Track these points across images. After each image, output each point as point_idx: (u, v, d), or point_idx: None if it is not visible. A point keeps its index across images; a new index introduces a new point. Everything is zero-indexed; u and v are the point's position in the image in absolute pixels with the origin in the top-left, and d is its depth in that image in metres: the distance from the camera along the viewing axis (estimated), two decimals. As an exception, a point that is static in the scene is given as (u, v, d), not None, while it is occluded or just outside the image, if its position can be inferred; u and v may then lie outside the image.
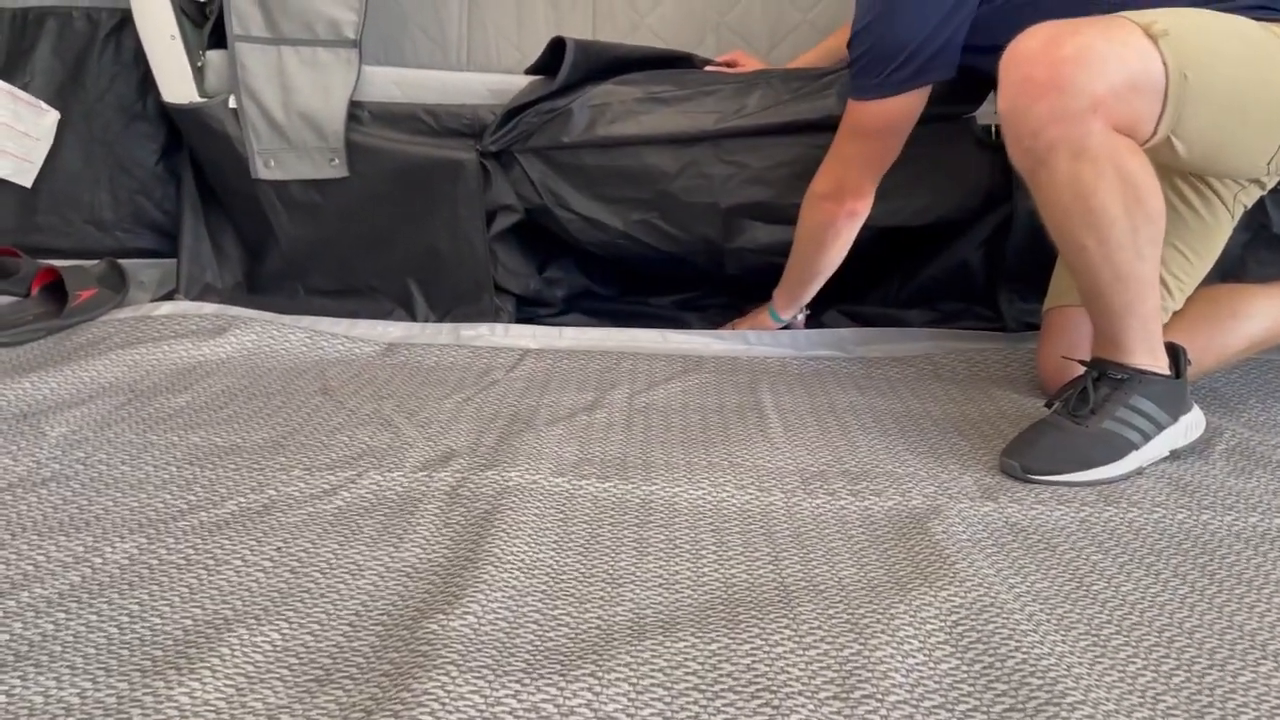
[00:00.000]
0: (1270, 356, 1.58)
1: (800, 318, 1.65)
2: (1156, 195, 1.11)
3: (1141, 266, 1.12)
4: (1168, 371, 1.20)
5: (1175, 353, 1.22)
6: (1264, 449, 1.28)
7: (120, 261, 1.78)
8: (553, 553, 0.96)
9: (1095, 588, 0.93)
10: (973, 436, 1.32)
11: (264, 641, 0.80)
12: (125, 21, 1.72)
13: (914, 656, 0.80)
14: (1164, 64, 1.06)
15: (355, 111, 1.62)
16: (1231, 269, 1.58)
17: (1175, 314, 1.40)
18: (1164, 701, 0.76)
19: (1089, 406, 1.19)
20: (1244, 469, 1.22)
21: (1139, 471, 1.19)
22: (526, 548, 0.96)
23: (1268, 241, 1.57)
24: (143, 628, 0.83)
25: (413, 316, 1.71)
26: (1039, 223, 1.56)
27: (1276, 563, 0.98)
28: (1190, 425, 1.24)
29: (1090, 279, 1.16)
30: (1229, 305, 1.39)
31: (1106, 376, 1.20)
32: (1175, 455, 1.23)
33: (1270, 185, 1.32)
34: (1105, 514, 1.09)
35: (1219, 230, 1.37)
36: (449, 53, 1.87)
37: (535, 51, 1.82)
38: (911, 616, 0.85)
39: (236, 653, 0.79)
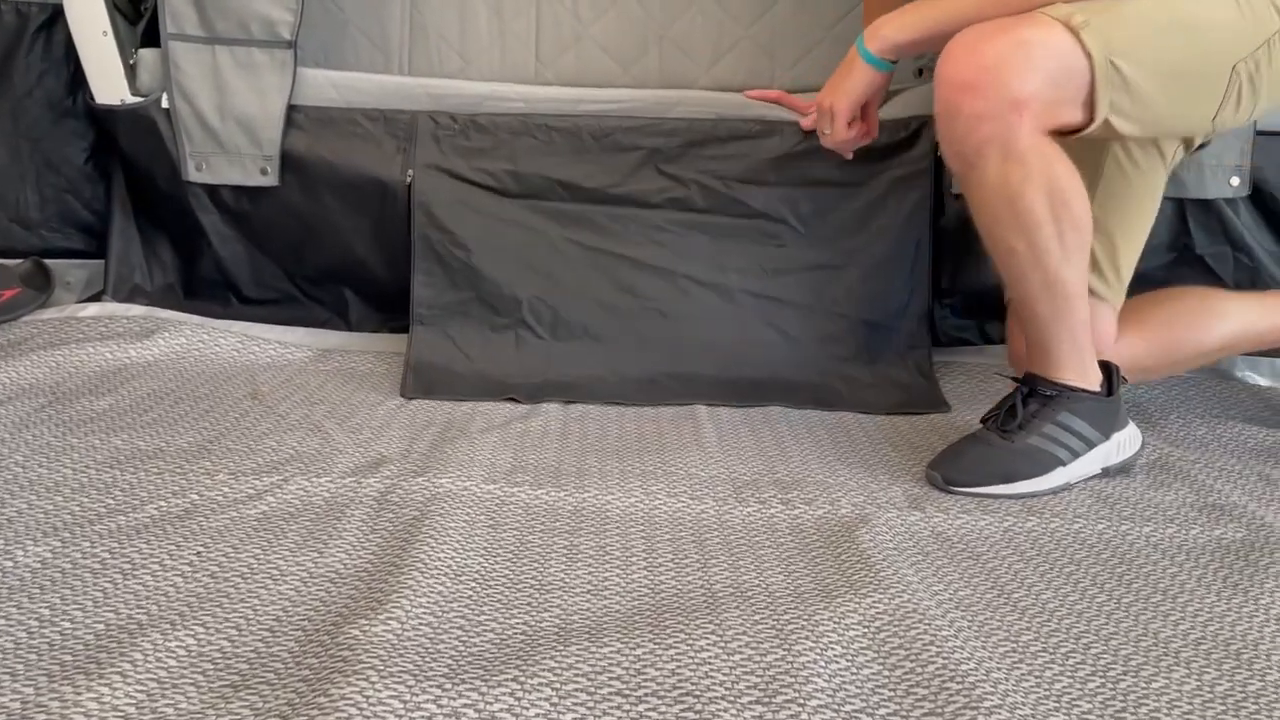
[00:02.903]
0: (1190, 374, 1.63)
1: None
2: (1083, 201, 1.14)
3: (1068, 272, 1.15)
4: (1098, 389, 1.22)
5: (1109, 370, 1.24)
6: (1183, 463, 1.31)
7: (46, 261, 1.73)
8: (481, 559, 0.95)
9: (1016, 596, 0.95)
10: (904, 449, 1.34)
11: (178, 646, 0.78)
12: (56, 16, 1.67)
13: (837, 662, 0.80)
14: (1087, 56, 1.08)
15: (291, 115, 1.60)
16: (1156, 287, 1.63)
17: (1149, 309, 1.39)
18: (1079, 706, 0.78)
19: (1017, 422, 1.21)
20: (1163, 482, 1.25)
21: (1067, 487, 1.21)
22: (454, 554, 0.95)
23: (1190, 261, 1.62)
24: (52, 632, 0.80)
25: (348, 325, 1.69)
26: (971, 243, 1.61)
27: (1191, 572, 1.01)
28: (1124, 442, 1.25)
29: (1020, 286, 1.18)
30: (1201, 304, 1.40)
31: (1036, 393, 1.22)
32: (1108, 472, 1.25)
33: (1197, 144, 1.34)
34: (1028, 524, 1.11)
35: (1156, 189, 1.36)
36: (390, 58, 1.85)
37: (478, 57, 1.82)
38: (836, 623, 0.86)
39: (150, 658, 0.77)
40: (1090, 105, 1.11)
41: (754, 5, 1.89)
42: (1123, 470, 1.26)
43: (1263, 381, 1.63)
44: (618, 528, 1.05)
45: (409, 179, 1.60)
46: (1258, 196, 1.57)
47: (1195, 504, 1.18)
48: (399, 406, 1.41)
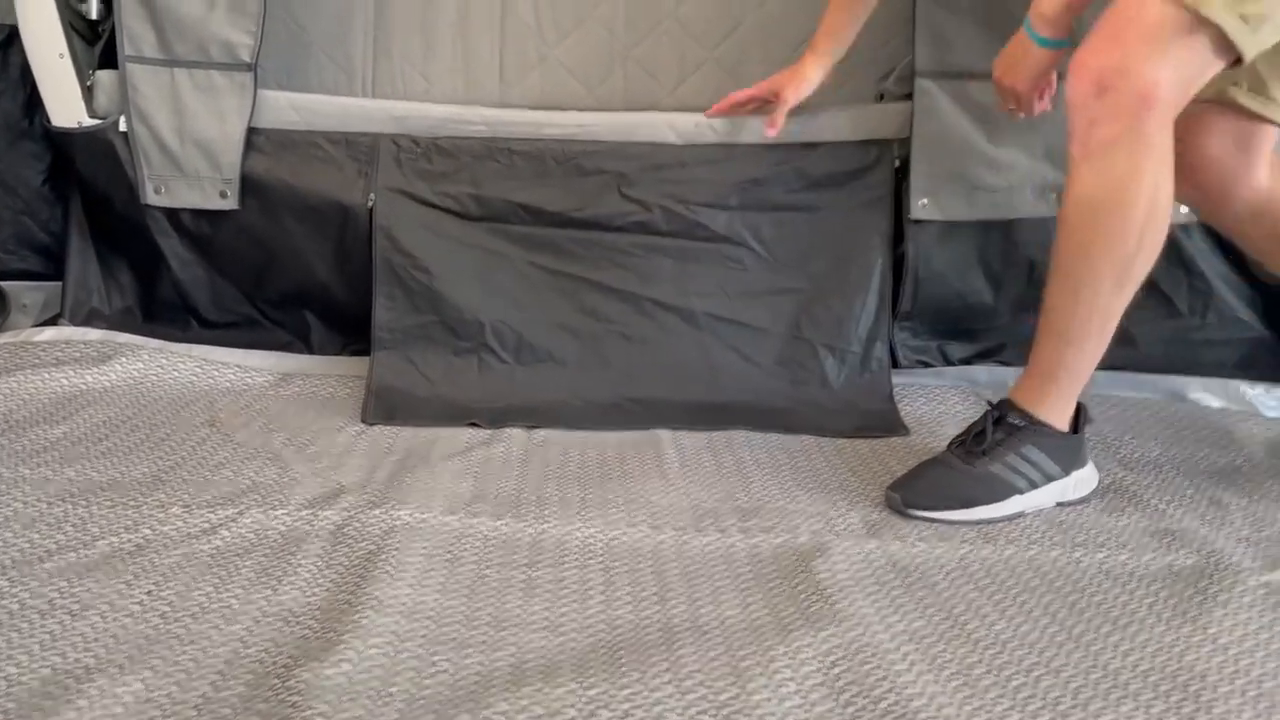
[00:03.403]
0: (1147, 397, 1.65)
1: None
2: (1164, 230, 1.14)
3: (1119, 303, 1.17)
4: (1065, 428, 1.24)
5: (1079, 411, 1.26)
6: (1137, 487, 1.33)
7: (1, 284, 1.71)
8: (437, 595, 0.95)
9: (970, 627, 0.95)
10: (863, 473, 1.35)
11: (126, 692, 0.78)
12: (12, 37, 1.66)
13: (790, 700, 0.81)
14: (1214, 25, 1.05)
15: (251, 138, 1.59)
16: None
17: None
18: (1028, 741, 0.79)
19: (982, 447, 1.22)
20: (1117, 507, 1.27)
21: (1021, 515, 1.23)
22: (410, 590, 0.95)
23: (1144, 285, 1.65)
24: (-3, 679, 0.79)
25: (310, 348, 1.68)
26: (930, 267, 1.63)
27: (1142, 601, 1.02)
28: (1081, 480, 1.27)
29: (1068, 300, 1.18)
30: None
31: (1005, 420, 1.23)
32: (1062, 506, 1.26)
33: None
34: (983, 552, 1.12)
35: None
36: (354, 79, 1.85)
37: (442, 78, 1.81)
38: (790, 659, 0.86)
39: (95, 705, 0.76)
40: (1225, 62, 1.08)
41: (719, 27, 1.90)
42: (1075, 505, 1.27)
43: (1215, 403, 1.65)
44: (576, 559, 1.05)
45: (371, 202, 1.59)
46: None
47: (1148, 530, 1.20)
48: (360, 433, 1.41)
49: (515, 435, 1.42)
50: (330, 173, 1.61)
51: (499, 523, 1.11)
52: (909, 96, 1.61)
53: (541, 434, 1.44)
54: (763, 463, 1.37)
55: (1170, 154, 1.12)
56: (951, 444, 1.27)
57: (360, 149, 1.61)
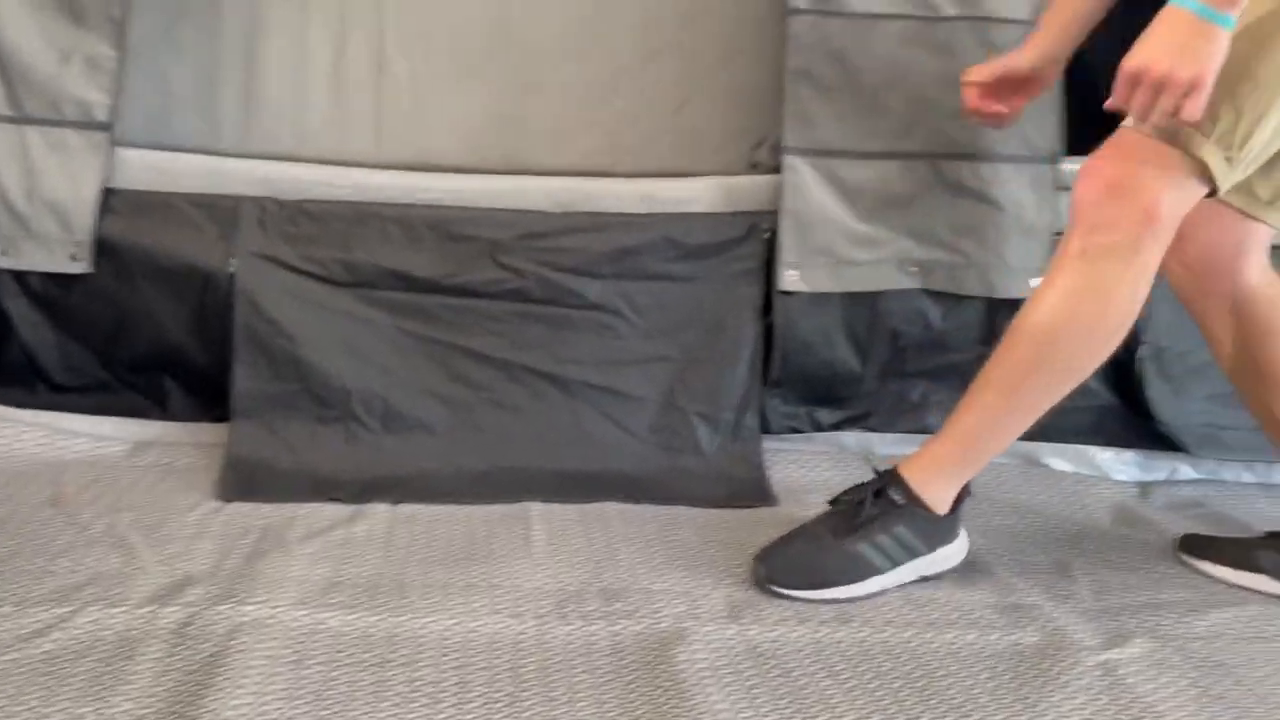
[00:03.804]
0: (1003, 461, 1.71)
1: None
2: (1113, 345, 1.20)
3: (1044, 407, 1.22)
4: (943, 512, 1.26)
5: (960, 494, 1.27)
6: (989, 557, 1.37)
7: None
8: (280, 703, 0.92)
9: None
10: (730, 546, 1.36)
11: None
12: None
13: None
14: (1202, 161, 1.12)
15: (107, 199, 1.53)
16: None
17: None
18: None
19: (858, 520, 1.24)
20: (969, 580, 1.30)
21: (881, 593, 1.24)
22: (250, 700, 0.91)
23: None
24: None
25: (167, 413, 1.61)
26: (798, 337, 1.66)
27: (985, 684, 1.06)
28: (949, 555, 1.28)
29: (1000, 399, 1.22)
30: None
31: (886, 494, 1.25)
32: (924, 580, 1.28)
33: None
34: (839, 634, 1.14)
35: None
36: (221, 134, 1.79)
37: (316, 135, 1.78)
38: (639, 765, 0.86)
39: None
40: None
41: (599, 90, 1.92)
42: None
43: (1067, 468, 1.72)
44: (431, 657, 1.03)
45: (232, 267, 1.55)
46: (1060, 295, 1.67)
47: (997, 605, 1.24)
48: (214, 511, 1.36)
49: (380, 511, 1.39)
50: (190, 236, 1.56)
51: (352, 615, 1.09)
52: (780, 168, 1.65)
53: (408, 509, 1.41)
54: (632, 537, 1.37)
55: (1152, 273, 1.18)
56: (830, 509, 1.28)
57: (222, 211, 1.57)
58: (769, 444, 1.70)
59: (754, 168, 1.84)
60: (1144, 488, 1.70)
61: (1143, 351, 1.66)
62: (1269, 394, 1.35)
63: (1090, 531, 1.51)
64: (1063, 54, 1.43)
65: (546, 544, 1.33)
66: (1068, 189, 1.64)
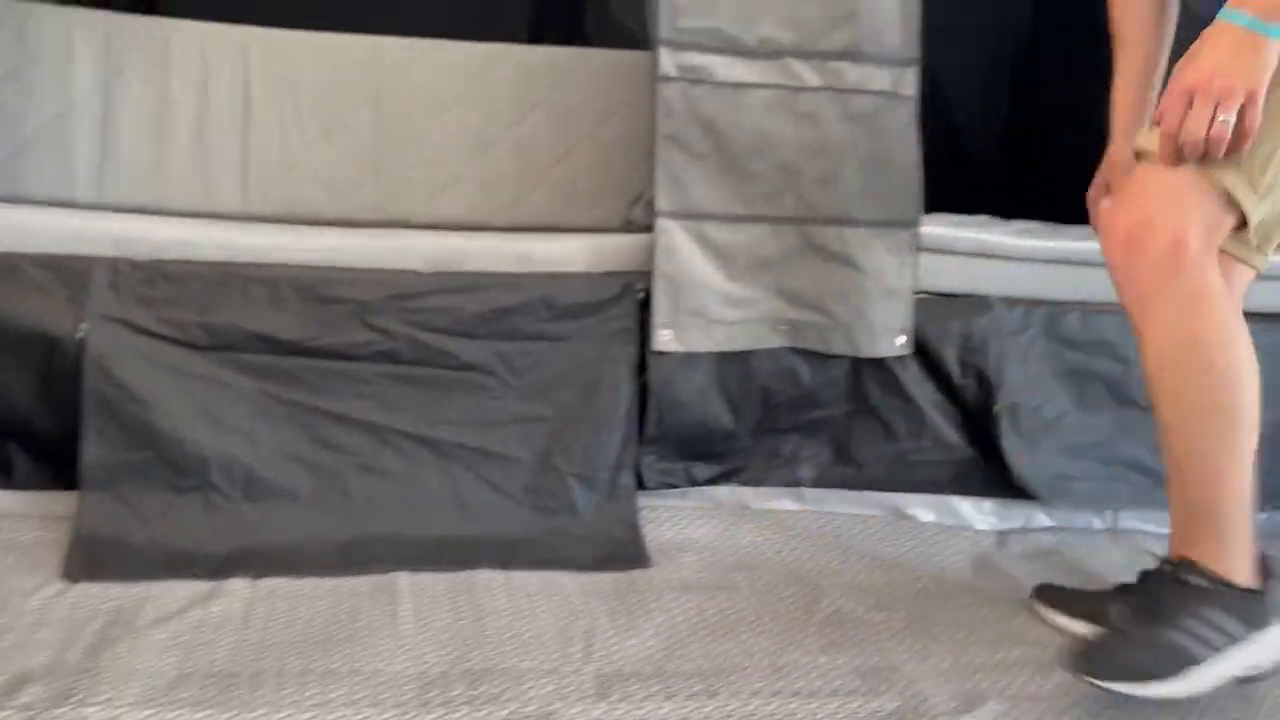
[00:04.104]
0: (871, 513, 1.76)
1: None
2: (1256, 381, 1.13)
3: (1229, 438, 1.13)
4: (1250, 583, 1.14)
5: (1264, 563, 1.16)
6: (854, 616, 1.40)
7: None
8: (116, 822, 0.87)
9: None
10: (601, 614, 1.35)
11: None
12: None
13: None
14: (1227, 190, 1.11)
15: (-58, 260, 1.45)
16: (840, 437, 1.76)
17: None
18: None
19: (1152, 613, 1.15)
20: (834, 642, 1.32)
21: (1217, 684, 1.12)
22: (84, 820, 0.87)
23: (865, 412, 1.76)
24: None
25: (12, 482, 1.52)
26: (673, 395, 1.68)
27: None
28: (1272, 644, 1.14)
29: (1188, 443, 1.16)
30: None
31: (1178, 579, 1.16)
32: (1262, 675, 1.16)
33: None
34: (706, 708, 1.15)
35: None
36: (75, 185, 1.72)
37: (176, 188, 1.73)
38: None
39: None
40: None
41: (474, 142, 1.91)
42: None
43: (930, 518, 1.78)
44: (284, 757, 0.99)
45: (82, 333, 1.48)
46: (921, 352, 1.73)
47: (860, 669, 1.27)
48: (59, 594, 1.29)
49: (239, 588, 1.34)
50: (36, 300, 1.48)
51: (201, 714, 1.04)
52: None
53: (269, 584, 1.37)
54: (502, 610, 1.35)
55: (1220, 291, 1.13)
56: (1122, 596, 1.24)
57: (71, 274, 1.49)
58: (645, 500, 1.71)
59: (629, 224, 1.86)
60: (1002, 536, 1.77)
61: (998, 406, 1.73)
62: None
63: (951, 584, 1.56)
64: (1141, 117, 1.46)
65: (414, 620, 1.30)
66: (927, 250, 1.73)
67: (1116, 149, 1.48)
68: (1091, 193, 1.55)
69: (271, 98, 1.83)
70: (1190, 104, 1.07)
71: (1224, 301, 1.14)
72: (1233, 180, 1.12)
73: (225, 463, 1.50)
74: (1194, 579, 1.14)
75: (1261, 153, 1.13)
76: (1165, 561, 1.20)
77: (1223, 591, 1.13)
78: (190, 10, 1.86)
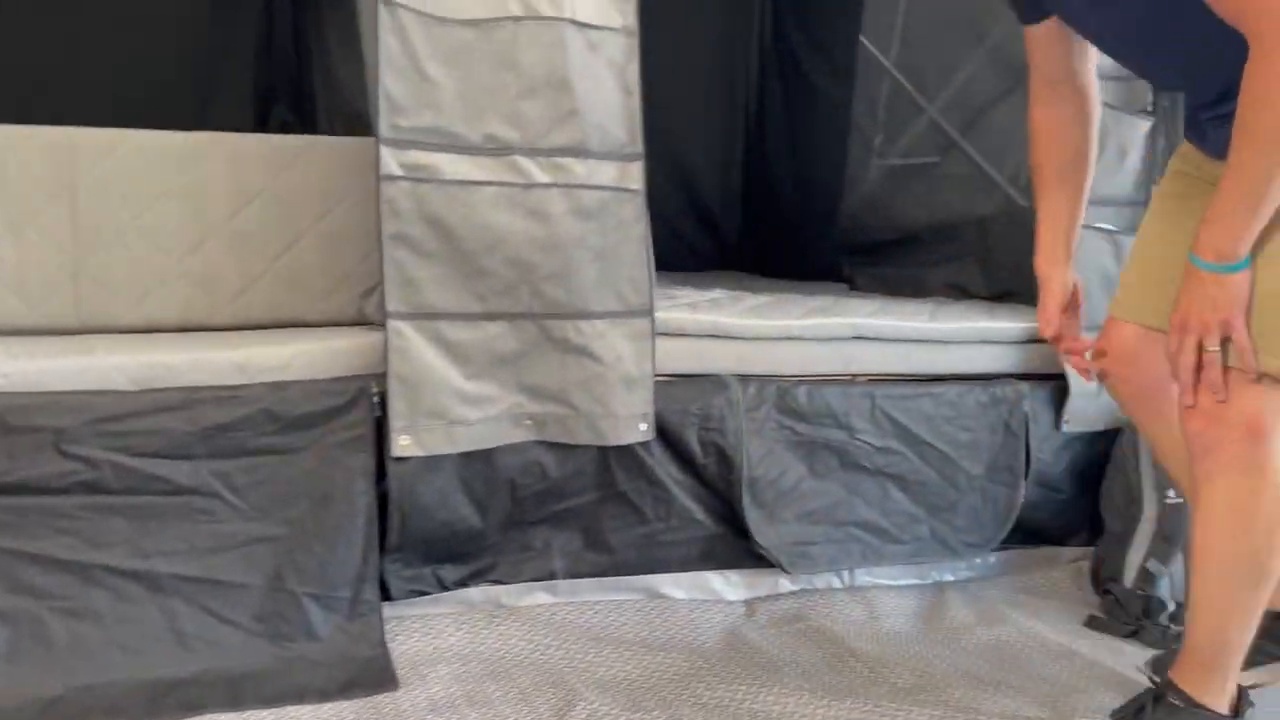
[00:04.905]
0: (626, 598, 1.78)
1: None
2: None
3: (1255, 601, 1.27)
4: (1225, 711, 1.30)
5: (1240, 694, 1.32)
6: (610, 715, 1.40)
7: None
8: None
9: None
10: None
11: None
12: None
13: None
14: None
15: None
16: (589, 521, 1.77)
17: None
18: None
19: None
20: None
21: None
22: None
23: (614, 498, 1.77)
24: None
25: None
26: (415, 501, 1.63)
27: None
28: None
29: (1210, 590, 1.28)
30: None
31: (1165, 700, 1.30)
32: None
33: None
34: None
35: None
36: None
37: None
38: None
39: None
40: None
41: (187, 237, 1.78)
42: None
43: (683, 595, 1.82)
44: None
45: None
46: (664, 434, 1.77)
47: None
48: None
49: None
50: None
51: None
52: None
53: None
54: None
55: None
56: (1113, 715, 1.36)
57: None
58: (392, 611, 1.64)
59: (364, 318, 1.79)
60: (750, 605, 1.84)
61: (741, 481, 1.80)
62: None
63: (702, 665, 1.59)
64: (1070, 250, 1.56)
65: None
66: (664, 335, 1.77)
67: (1041, 274, 1.57)
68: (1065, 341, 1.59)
69: (-54, 193, 1.63)
70: (1181, 346, 1.25)
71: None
72: (1268, 362, 1.24)
73: (-105, 626, 1.32)
74: (1174, 698, 1.31)
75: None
76: (1155, 681, 1.37)
77: (1199, 714, 1.29)
78: None
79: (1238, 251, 1.20)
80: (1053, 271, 1.55)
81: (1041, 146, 1.54)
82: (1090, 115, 1.53)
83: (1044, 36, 1.48)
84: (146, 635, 1.44)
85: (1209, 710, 1.29)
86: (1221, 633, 1.28)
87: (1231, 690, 1.31)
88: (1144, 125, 2.08)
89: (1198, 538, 1.30)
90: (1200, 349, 1.24)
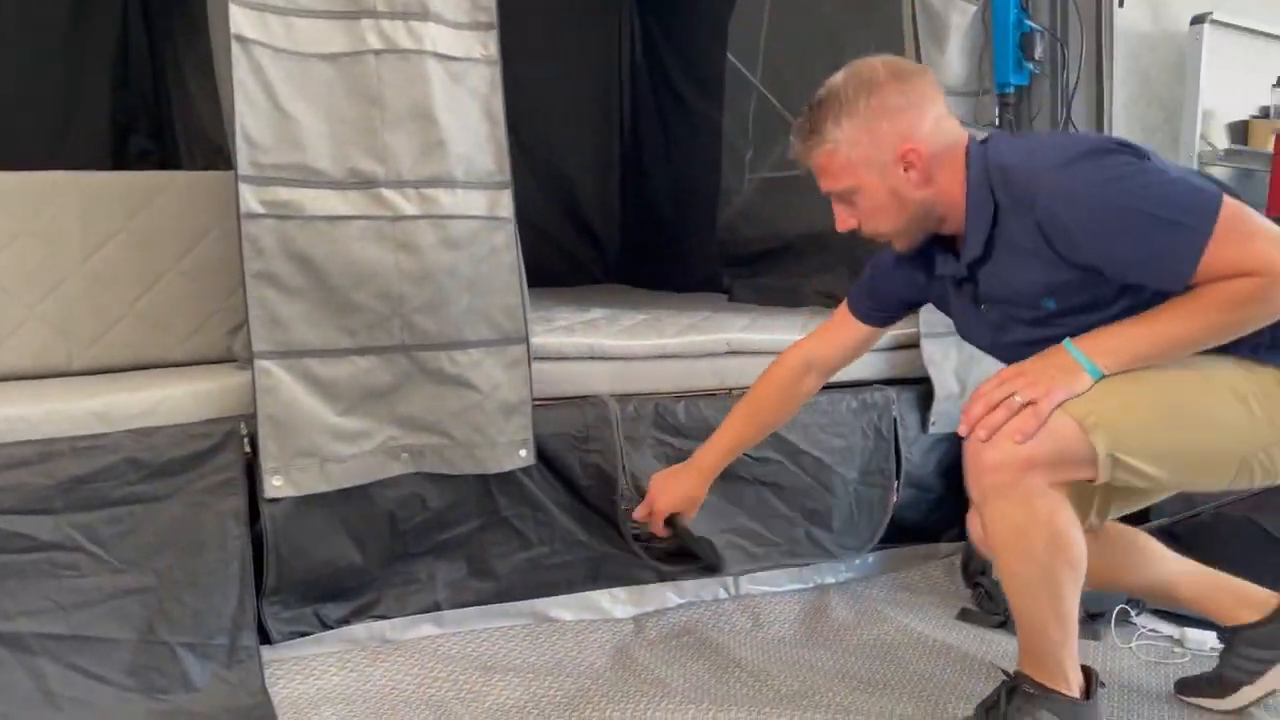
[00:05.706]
0: (515, 624, 1.78)
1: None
2: (1078, 547, 1.30)
3: (1061, 604, 1.31)
4: (1076, 694, 1.35)
5: (1089, 676, 1.37)
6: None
7: None
8: None
9: None
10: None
11: None
12: None
13: None
14: (1093, 449, 1.24)
15: None
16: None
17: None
18: None
19: (1000, 714, 1.35)
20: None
21: None
22: None
23: (498, 524, 1.78)
24: None
25: None
26: (291, 541, 1.60)
27: None
28: None
29: (1022, 601, 1.34)
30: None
31: (1020, 690, 1.35)
32: None
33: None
34: None
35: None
36: None
37: None
38: None
39: None
40: (1094, 474, 1.26)
41: (40, 281, 1.72)
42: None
43: (571, 616, 1.83)
44: None
45: None
46: (544, 458, 1.78)
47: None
48: None
49: None
50: None
51: None
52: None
53: None
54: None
55: (1061, 495, 1.28)
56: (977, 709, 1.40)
57: None
58: (273, 655, 1.61)
59: (232, 354, 1.76)
60: (639, 621, 1.86)
61: (620, 499, 1.82)
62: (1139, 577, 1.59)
63: (591, 686, 1.60)
64: (715, 473, 1.71)
65: None
66: (540, 359, 1.78)
67: (672, 482, 1.70)
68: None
69: None
70: (1000, 384, 1.28)
71: (1059, 501, 1.29)
72: (1101, 438, 1.26)
73: None
74: (1027, 687, 1.37)
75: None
76: (1007, 675, 1.41)
77: (1053, 697, 1.36)
78: None
79: (1109, 366, 1.27)
80: (683, 483, 1.68)
81: (761, 394, 1.67)
82: (814, 391, 1.69)
83: (854, 329, 1.63)
84: (15, 699, 1.39)
85: (1061, 694, 1.36)
86: (1043, 635, 1.35)
87: (1078, 676, 1.38)
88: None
89: (996, 559, 1.37)
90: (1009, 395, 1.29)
